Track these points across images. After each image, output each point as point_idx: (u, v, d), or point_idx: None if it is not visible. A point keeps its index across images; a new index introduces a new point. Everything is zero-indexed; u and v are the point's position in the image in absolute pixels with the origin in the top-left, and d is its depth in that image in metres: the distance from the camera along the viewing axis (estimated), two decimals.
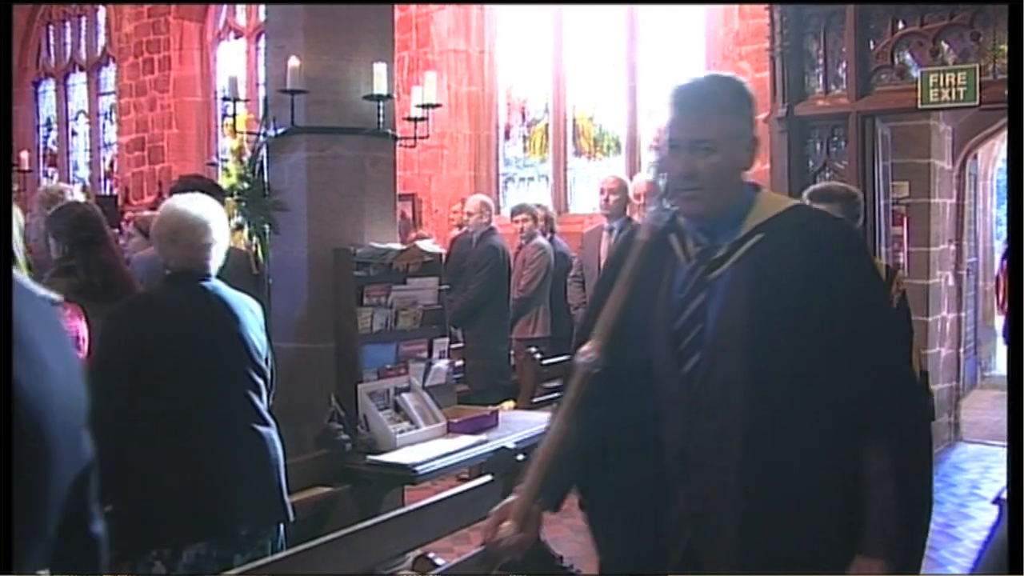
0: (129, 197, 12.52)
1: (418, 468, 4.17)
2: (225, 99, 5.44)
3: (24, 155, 10.61)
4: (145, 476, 3.09)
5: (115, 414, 2.95)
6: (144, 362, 3.08)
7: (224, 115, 12.11)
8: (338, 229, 4.74)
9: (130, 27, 13.25)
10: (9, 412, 1.09)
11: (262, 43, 11.98)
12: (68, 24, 14.67)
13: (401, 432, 4.44)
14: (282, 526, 3.41)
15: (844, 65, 6.23)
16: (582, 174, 9.84)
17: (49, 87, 15.03)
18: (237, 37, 12.80)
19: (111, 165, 14.04)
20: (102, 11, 14.07)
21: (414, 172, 9.88)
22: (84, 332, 2.76)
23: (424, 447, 4.39)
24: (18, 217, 2.64)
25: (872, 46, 6.16)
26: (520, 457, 4.17)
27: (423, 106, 5.26)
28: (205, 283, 3.27)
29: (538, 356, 6.62)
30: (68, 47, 14.70)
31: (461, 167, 10.15)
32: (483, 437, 4.58)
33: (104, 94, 14.24)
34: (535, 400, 6.53)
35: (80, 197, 4.65)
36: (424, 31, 10.32)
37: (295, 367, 4.50)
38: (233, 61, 12.41)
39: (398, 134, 5.09)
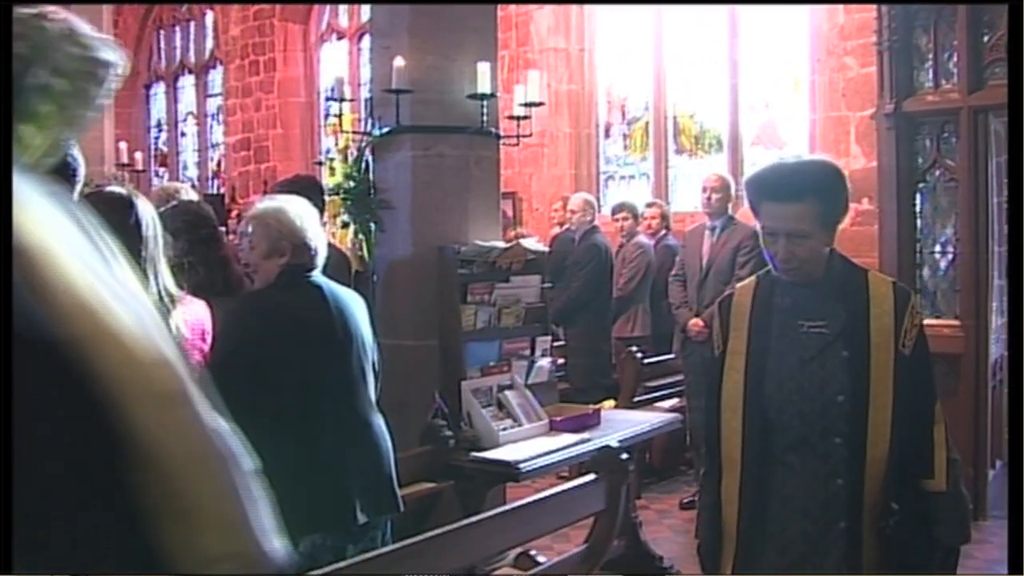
0: (235, 196, 12.80)
1: (521, 466, 4.17)
2: (331, 99, 5.52)
3: (138, 156, 10.93)
4: (263, 467, 3.14)
5: (234, 407, 3.01)
6: (262, 355, 3.14)
7: (327, 115, 12.36)
8: (442, 227, 4.78)
9: (237, 30, 13.55)
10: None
11: (364, 44, 12.18)
12: (178, 29, 15.10)
13: (504, 429, 4.45)
14: (390, 519, 3.45)
15: (955, 59, 6.05)
16: (683, 172, 9.75)
17: (160, 90, 15.47)
18: (339, 38, 13.01)
19: (218, 165, 14.40)
20: (210, 15, 14.43)
21: (515, 170, 9.91)
22: (209, 327, 2.83)
23: (527, 444, 4.40)
24: (151, 212, 2.73)
25: (986, 39, 5.96)
26: (624, 456, 4.16)
27: (526, 104, 5.27)
28: (314, 279, 3.33)
29: (639, 355, 6.58)
30: (178, 51, 15.12)
31: (561, 165, 10.15)
32: (585, 435, 4.56)
33: (211, 96, 14.61)
34: (635, 399, 6.50)
35: (194, 196, 4.76)
36: (524, 30, 10.35)
37: (399, 363, 4.54)
38: (335, 62, 12.61)
39: (501, 133, 5.11)
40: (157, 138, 15.50)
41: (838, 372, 2.52)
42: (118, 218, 2.65)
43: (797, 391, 2.54)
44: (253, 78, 13.37)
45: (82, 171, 3.42)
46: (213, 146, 14.59)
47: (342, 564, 2.99)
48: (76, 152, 3.41)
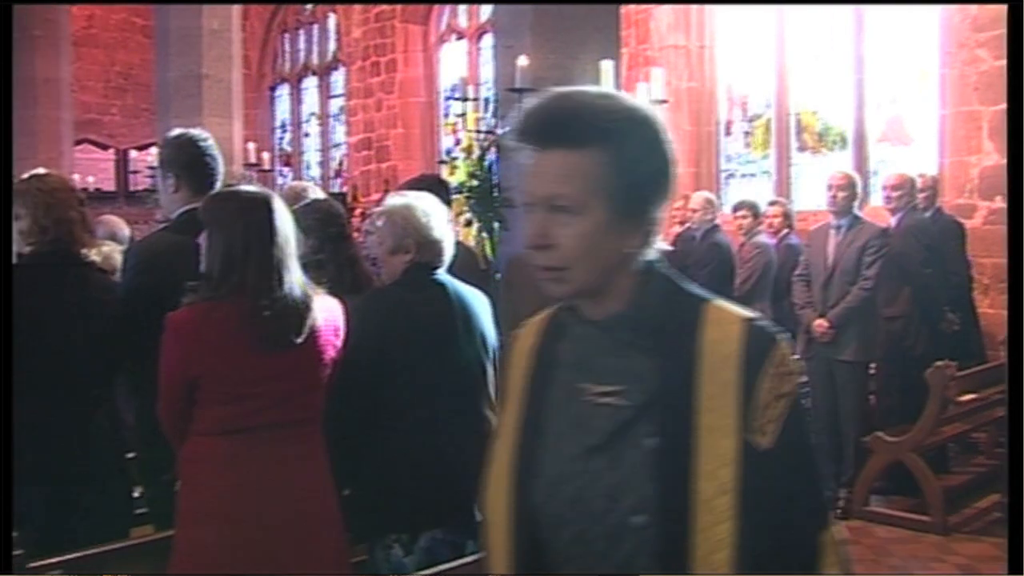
0: (357, 195, 13.04)
1: None
2: (454, 99, 5.61)
3: (265, 156, 11.23)
4: (386, 461, 3.20)
5: (360, 402, 3.08)
6: (385, 352, 3.20)
7: (447, 114, 12.51)
8: None
9: (358, 32, 13.81)
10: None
11: (483, 43, 12.28)
12: (301, 32, 15.45)
13: None
14: None
15: None
16: (806, 170, 9.55)
17: (284, 91, 15.86)
18: (459, 38, 13.13)
19: (340, 164, 14.70)
20: (332, 18, 14.73)
21: None
22: (341, 324, 2.90)
23: None
24: (286, 211, 2.81)
25: None
26: None
27: (650, 102, 5.24)
28: (439, 277, 3.36)
29: None
30: (301, 54, 15.48)
31: (681, 163, 10.02)
32: None
33: (333, 97, 14.92)
34: None
35: (321, 195, 4.87)
36: (644, 27, 10.28)
37: None
38: (455, 62, 12.75)
39: None
40: (281, 139, 15.90)
41: (638, 473, 1.38)
42: (248, 217, 2.74)
43: (576, 502, 1.43)
44: (374, 79, 13.59)
45: (220, 170, 3.55)
46: (335, 146, 14.89)
47: (460, 562, 3.01)
48: (216, 152, 3.55)
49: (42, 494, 3.16)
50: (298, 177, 14.48)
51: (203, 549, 2.72)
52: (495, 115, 5.05)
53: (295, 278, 2.74)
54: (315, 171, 15.18)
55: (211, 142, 3.51)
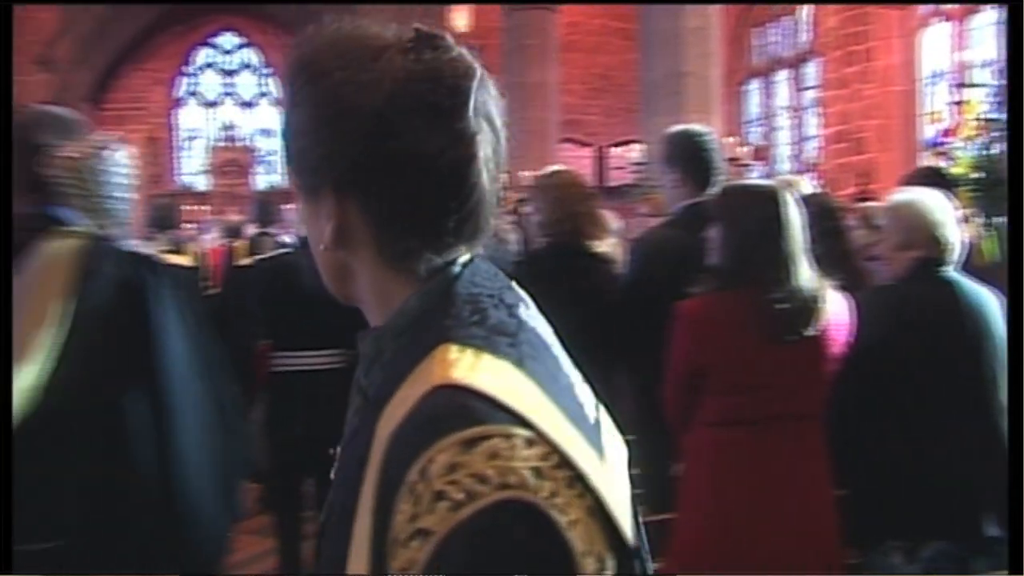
0: (831, 189, 12.73)
1: None
2: (960, 85, 5.27)
3: (741, 151, 11.33)
4: (889, 464, 3.10)
5: (865, 400, 3.01)
6: (891, 349, 3.09)
7: (939, 101, 11.79)
8: None
9: (833, 21, 13.45)
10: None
11: (971, 23, 11.46)
12: (773, 25, 15.35)
13: None
14: None
15: None
16: None
17: (753, 86, 15.86)
18: (943, 20, 12.36)
19: (813, 157, 14.42)
20: (805, 9, 14.48)
21: None
22: (846, 319, 2.84)
23: None
24: (794, 205, 2.81)
25: None
26: None
27: None
28: (947, 274, 3.20)
29: None
30: (774, 46, 15.39)
31: None
32: None
33: (805, 89, 14.67)
34: None
35: (808, 190, 4.80)
36: None
37: None
38: (936, 46, 12.05)
39: None
40: (749, 133, 15.91)
41: None
42: (760, 211, 2.76)
43: None
44: (849, 68, 13.18)
45: (721, 165, 3.61)
46: (807, 139, 14.64)
47: None
48: (716, 147, 3.61)
49: None
50: (769, 172, 14.42)
51: (701, 536, 2.78)
52: (998, 101, 4.68)
53: (806, 271, 2.72)
54: (786, 165, 15.02)
55: (712, 137, 3.57)
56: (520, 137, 11.99)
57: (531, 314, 1.01)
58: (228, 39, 19.18)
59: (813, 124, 14.45)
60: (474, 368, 0.88)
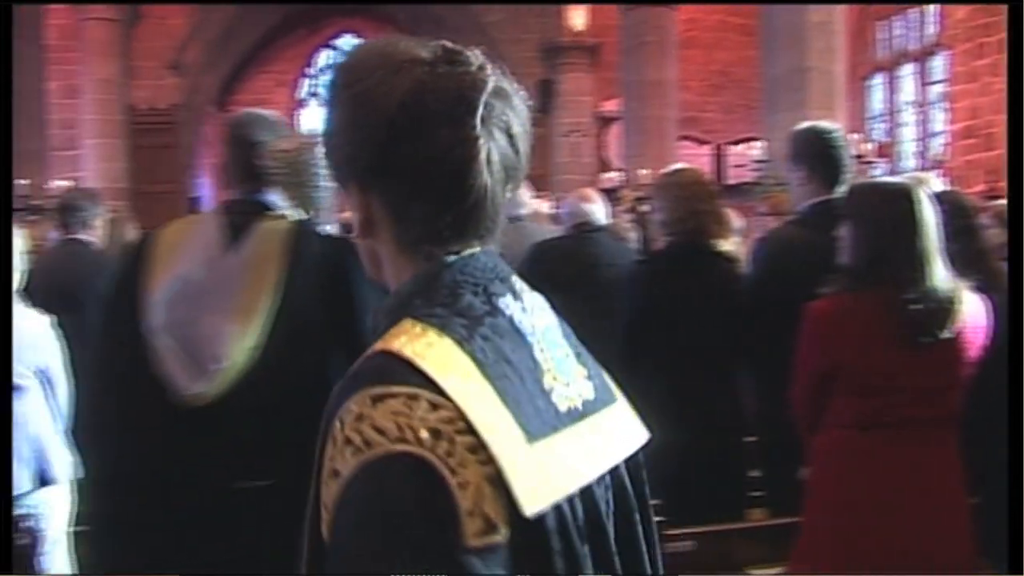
0: (958, 186, 12.35)
1: None
2: None
3: (866, 147, 11.07)
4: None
5: (1001, 406, 2.92)
6: None
7: None
8: None
9: (962, 13, 13.04)
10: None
11: None
12: (898, 18, 14.95)
13: None
14: None
15: None
16: None
17: (877, 81, 15.47)
18: None
19: (940, 154, 14.00)
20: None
21: None
22: (985, 322, 2.75)
23: None
24: (929, 203, 2.74)
25: None
26: None
27: None
28: None
29: None
30: (899, 40, 14.98)
31: None
32: None
33: (932, 83, 14.24)
34: None
35: (938, 188, 4.67)
36: None
37: None
38: None
39: None
40: (872, 129, 15.52)
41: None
42: (894, 209, 2.70)
43: None
44: (979, 61, 12.75)
45: (850, 162, 3.54)
46: (933, 135, 14.21)
47: None
48: (845, 144, 3.54)
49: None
50: (892, 169, 14.05)
51: (830, 539, 2.74)
52: None
53: (941, 271, 2.65)
54: (911, 162, 14.61)
55: (840, 134, 3.51)
56: (638, 135, 11.93)
57: (521, 305, 1.10)
58: (348, 41, 19.52)
59: (939, 120, 14.02)
60: (413, 339, 1.00)
